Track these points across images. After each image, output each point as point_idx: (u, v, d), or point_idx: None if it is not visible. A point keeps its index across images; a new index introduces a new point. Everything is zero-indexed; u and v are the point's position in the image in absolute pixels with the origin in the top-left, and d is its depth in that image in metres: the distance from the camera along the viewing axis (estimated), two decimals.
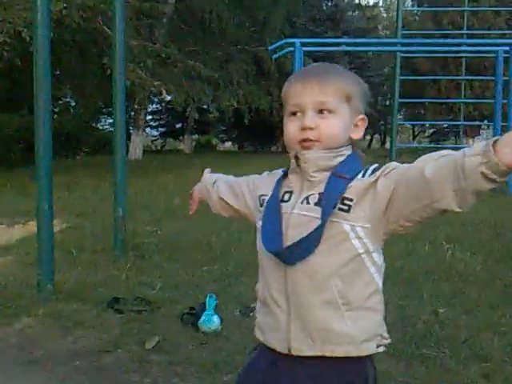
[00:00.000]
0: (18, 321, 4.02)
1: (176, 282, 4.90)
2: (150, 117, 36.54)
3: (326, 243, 1.47)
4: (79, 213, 8.34)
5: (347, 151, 1.57)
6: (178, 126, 39.07)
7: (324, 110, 1.53)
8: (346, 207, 1.46)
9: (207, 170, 2.15)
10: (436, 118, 26.03)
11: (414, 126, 41.14)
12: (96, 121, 32.50)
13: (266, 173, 1.78)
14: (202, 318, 3.80)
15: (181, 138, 38.45)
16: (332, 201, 1.47)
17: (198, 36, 22.32)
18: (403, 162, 1.51)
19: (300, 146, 1.55)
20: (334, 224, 1.46)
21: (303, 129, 1.53)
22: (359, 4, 40.47)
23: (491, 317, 3.93)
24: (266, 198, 1.64)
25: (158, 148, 40.23)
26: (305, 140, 1.53)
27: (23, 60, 14.19)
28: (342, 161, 1.55)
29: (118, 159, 5.81)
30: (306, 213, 1.51)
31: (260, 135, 36.76)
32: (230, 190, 1.90)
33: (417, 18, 31.83)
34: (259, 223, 1.62)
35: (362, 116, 1.61)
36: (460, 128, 17.23)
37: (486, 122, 22.07)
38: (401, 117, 26.84)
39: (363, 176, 1.49)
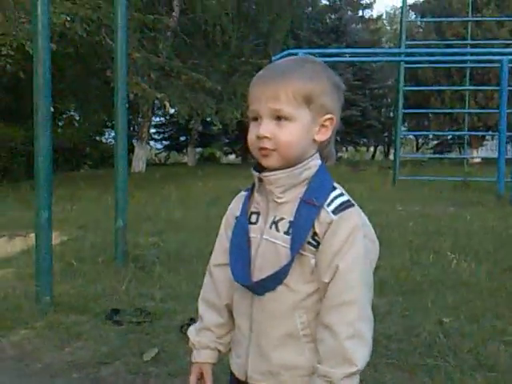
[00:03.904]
0: (16, 333, 3.95)
1: (177, 293, 4.84)
2: (153, 130, 36.64)
3: (293, 275, 1.43)
4: (81, 225, 8.30)
5: (314, 161, 1.48)
6: (182, 139, 39.15)
7: (281, 117, 1.42)
8: (315, 243, 1.43)
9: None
10: (440, 129, 26.01)
11: (417, 137, 41.13)
12: (100, 134, 32.60)
13: (236, 197, 1.67)
14: None
15: (184, 150, 38.51)
16: (302, 235, 1.42)
17: (202, 49, 22.40)
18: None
19: (260, 154, 1.46)
20: (302, 257, 1.43)
21: (259, 137, 1.44)
22: (363, 16, 40.63)
23: (497, 326, 3.85)
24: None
25: (162, 161, 40.29)
26: (262, 149, 1.45)
27: (27, 73, 14.25)
28: (310, 177, 1.47)
29: (120, 170, 5.78)
30: (275, 240, 1.46)
31: None
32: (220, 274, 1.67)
33: (420, 29, 31.91)
34: (228, 246, 1.57)
35: (329, 116, 1.48)
36: (464, 139, 17.15)
37: (490, 132, 22.02)
38: (404, 128, 26.74)
39: (329, 205, 1.43)
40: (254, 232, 1.51)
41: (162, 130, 40.35)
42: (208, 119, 28.34)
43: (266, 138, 1.43)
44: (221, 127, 22.31)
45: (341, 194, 1.46)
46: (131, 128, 27.81)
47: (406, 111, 15.77)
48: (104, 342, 3.77)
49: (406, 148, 42.57)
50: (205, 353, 1.66)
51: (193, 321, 3.89)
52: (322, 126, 1.47)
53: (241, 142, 38.52)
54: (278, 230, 1.45)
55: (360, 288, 1.40)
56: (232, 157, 45.99)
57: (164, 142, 41.45)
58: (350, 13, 38.75)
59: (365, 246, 1.42)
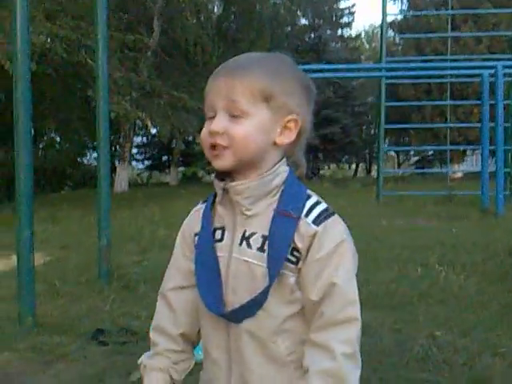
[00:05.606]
0: None
1: None
2: (135, 150, 36.52)
3: (272, 297, 1.28)
4: (63, 245, 8.17)
5: (283, 167, 1.34)
6: (164, 158, 39.10)
7: (236, 112, 1.28)
8: (294, 259, 1.28)
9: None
10: (421, 144, 26.18)
11: (398, 154, 41.41)
12: (82, 155, 32.42)
13: (192, 210, 1.49)
14: None
15: (167, 170, 38.42)
16: (282, 253, 1.27)
17: (183, 68, 22.40)
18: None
19: (211, 154, 1.32)
20: (281, 276, 1.28)
21: (211, 133, 1.30)
22: (342, 35, 41.01)
23: (490, 338, 3.80)
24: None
25: (144, 181, 40.14)
26: (213, 146, 1.30)
27: (7, 95, 14.14)
28: (281, 185, 1.32)
29: (102, 189, 5.70)
30: (247, 259, 1.30)
31: None
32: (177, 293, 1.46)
33: (399, 47, 32.20)
34: (192, 268, 1.38)
35: (291, 116, 1.32)
36: (446, 154, 17.23)
37: (471, 146, 22.18)
38: (385, 145, 26.94)
39: (307, 215, 1.29)
40: (220, 250, 1.34)
41: (143, 150, 40.28)
42: (190, 138, 28.32)
43: (217, 133, 1.29)
44: None
45: (318, 202, 1.32)
46: (113, 148, 27.67)
47: (389, 127, 15.82)
48: (89, 363, 3.65)
49: (387, 165, 42.85)
50: (155, 376, 1.43)
51: None
52: (285, 127, 1.33)
53: None
54: (249, 246, 1.30)
55: (358, 304, 1.28)
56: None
57: (146, 161, 41.38)
58: (329, 32, 39.13)
59: (353, 257, 1.30)
